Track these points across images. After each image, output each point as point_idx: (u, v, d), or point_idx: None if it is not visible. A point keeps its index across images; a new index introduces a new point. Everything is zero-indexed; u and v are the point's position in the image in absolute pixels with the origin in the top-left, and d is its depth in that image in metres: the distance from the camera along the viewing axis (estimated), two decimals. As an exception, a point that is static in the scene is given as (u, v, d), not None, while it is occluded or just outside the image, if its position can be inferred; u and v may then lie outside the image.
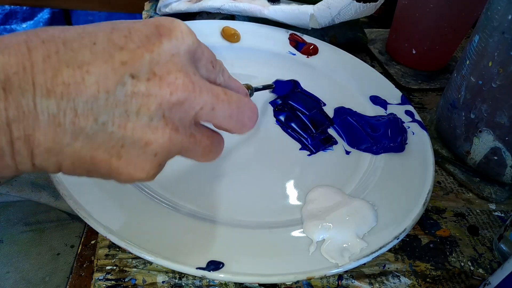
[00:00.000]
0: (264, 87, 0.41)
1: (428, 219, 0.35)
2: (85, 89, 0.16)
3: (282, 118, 0.41)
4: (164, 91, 0.17)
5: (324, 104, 0.43)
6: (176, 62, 0.18)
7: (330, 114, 0.42)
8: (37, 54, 0.16)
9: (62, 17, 1.54)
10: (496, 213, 0.37)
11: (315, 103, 0.43)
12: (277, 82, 0.44)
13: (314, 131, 0.40)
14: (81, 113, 0.16)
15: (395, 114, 0.41)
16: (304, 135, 0.39)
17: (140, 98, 0.17)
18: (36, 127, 0.16)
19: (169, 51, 0.18)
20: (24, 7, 1.47)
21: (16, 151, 0.16)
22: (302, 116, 0.41)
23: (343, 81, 0.46)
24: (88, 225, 0.27)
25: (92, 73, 0.16)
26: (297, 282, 0.29)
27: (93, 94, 0.16)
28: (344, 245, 0.28)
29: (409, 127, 0.40)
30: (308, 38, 0.49)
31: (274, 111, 0.41)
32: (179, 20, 0.19)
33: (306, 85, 0.45)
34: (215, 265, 0.26)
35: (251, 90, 0.37)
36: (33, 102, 0.16)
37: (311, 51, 0.48)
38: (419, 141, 0.38)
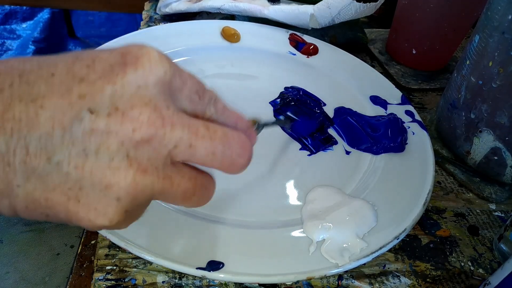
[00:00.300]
0: (277, 123, 0.36)
1: (428, 219, 0.35)
2: (38, 125, 0.15)
3: (282, 118, 0.41)
4: (125, 128, 0.16)
5: (324, 104, 0.43)
6: (143, 95, 0.16)
7: (330, 114, 0.42)
8: None
9: (62, 17, 1.54)
10: (496, 213, 0.37)
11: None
12: (299, 122, 0.40)
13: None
14: (33, 152, 0.15)
15: (395, 114, 0.41)
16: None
17: (100, 136, 0.15)
18: None
19: (135, 82, 0.16)
20: (24, 7, 1.47)
21: None
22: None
23: (343, 81, 0.46)
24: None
25: (46, 108, 0.15)
26: (297, 282, 0.29)
27: (47, 131, 0.15)
28: (344, 245, 0.28)
29: (409, 127, 0.40)
30: (308, 38, 0.49)
31: (274, 111, 0.41)
32: (150, 47, 0.17)
33: (306, 85, 0.45)
34: (215, 265, 0.26)
35: (257, 125, 0.31)
36: None
37: (311, 51, 0.48)
38: (419, 141, 0.38)
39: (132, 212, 0.17)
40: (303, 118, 0.40)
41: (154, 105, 0.16)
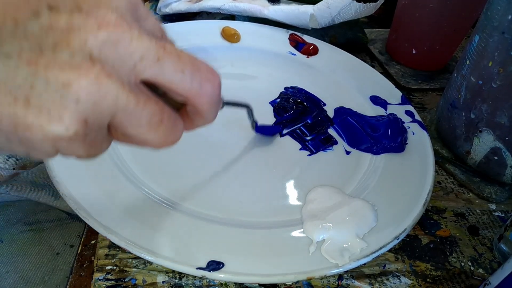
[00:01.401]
0: (237, 104, 0.33)
1: (428, 219, 0.35)
2: None
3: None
4: (90, 24, 0.14)
5: (324, 104, 0.43)
6: (108, 2, 0.15)
7: (330, 114, 0.42)
8: None
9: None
10: (496, 213, 0.37)
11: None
12: (260, 128, 0.38)
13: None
14: None
15: (395, 114, 0.41)
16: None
17: (59, 32, 0.14)
18: None
19: None
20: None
21: None
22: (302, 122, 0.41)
23: (343, 81, 0.46)
24: (88, 225, 0.27)
25: None
26: (297, 282, 0.29)
27: None
28: (344, 245, 0.28)
29: (409, 127, 0.40)
30: (308, 38, 0.49)
31: (274, 111, 0.41)
32: None
33: (306, 85, 0.45)
34: (215, 265, 0.26)
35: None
36: None
37: (311, 51, 0.48)
38: (419, 141, 0.38)
39: (91, 127, 0.15)
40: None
41: (121, 13, 0.15)
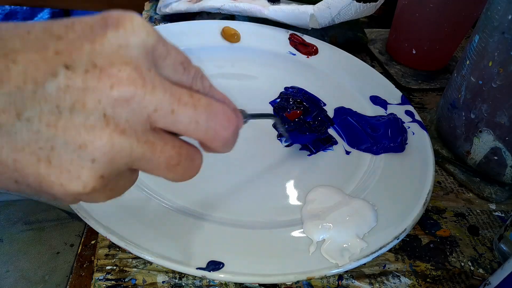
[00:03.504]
0: (263, 115, 0.34)
1: (428, 219, 0.35)
2: (9, 79, 0.14)
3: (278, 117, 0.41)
4: (103, 85, 0.15)
5: (324, 104, 0.43)
6: (123, 54, 0.15)
7: (330, 114, 0.42)
8: None
9: (62, 17, 1.54)
10: (496, 213, 0.37)
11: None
12: (295, 134, 0.38)
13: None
14: (1, 107, 0.14)
15: (395, 114, 0.41)
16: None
17: (75, 93, 0.14)
18: None
19: (116, 41, 0.15)
20: (24, 7, 1.47)
21: None
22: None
23: (343, 81, 0.46)
24: (88, 225, 0.27)
25: (19, 63, 0.14)
26: (297, 282, 0.29)
27: (18, 85, 0.14)
28: (344, 245, 0.28)
29: (409, 127, 0.40)
30: (308, 38, 0.49)
31: (274, 111, 0.41)
32: (133, 13, 0.16)
33: (306, 85, 0.45)
34: (215, 265, 0.26)
35: (244, 115, 0.28)
36: None
37: (312, 51, 0.48)
38: (419, 141, 0.38)
39: (109, 179, 0.16)
40: (300, 132, 0.39)
41: (135, 65, 0.15)
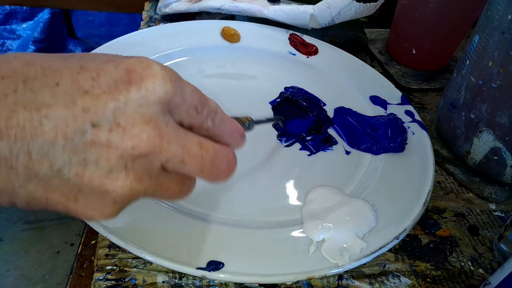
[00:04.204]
0: (269, 120, 0.35)
1: (428, 219, 0.35)
2: (42, 133, 0.15)
3: (276, 117, 0.41)
4: (126, 144, 0.17)
5: (324, 104, 0.43)
6: (143, 113, 0.17)
7: (330, 114, 0.42)
8: None
9: (62, 17, 1.54)
10: (496, 213, 0.37)
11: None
12: (292, 121, 0.39)
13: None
14: (36, 158, 0.16)
15: (395, 114, 0.41)
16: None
17: (100, 148, 0.16)
18: None
19: (137, 101, 0.17)
20: (24, 7, 1.46)
21: None
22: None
23: (343, 81, 0.46)
24: (88, 225, 0.27)
25: (51, 118, 0.15)
26: (297, 282, 0.29)
27: (50, 139, 0.15)
28: (344, 245, 0.28)
29: (409, 127, 0.40)
30: (308, 38, 0.49)
31: (274, 111, 0.41)
32: (155, 66, 0.18)
33: (306, 85, 0.45)
34: (215, 265, 0.26)
35: (251, 122, 0.31)
36: None
37: (312, 51, 0.48)
38: (419, 141, 0.38)
39: (125, 207, 0.19)
40: (296, 119, 0.40)
41: (155, 124, 0.17)
